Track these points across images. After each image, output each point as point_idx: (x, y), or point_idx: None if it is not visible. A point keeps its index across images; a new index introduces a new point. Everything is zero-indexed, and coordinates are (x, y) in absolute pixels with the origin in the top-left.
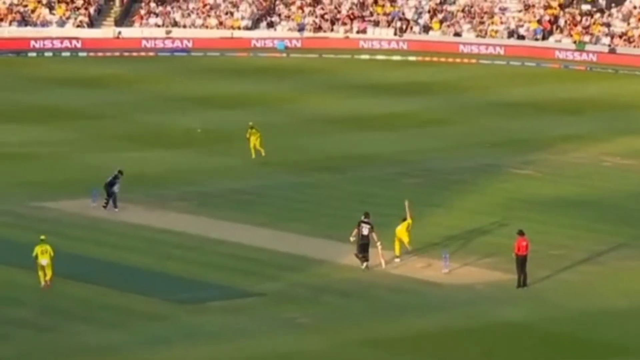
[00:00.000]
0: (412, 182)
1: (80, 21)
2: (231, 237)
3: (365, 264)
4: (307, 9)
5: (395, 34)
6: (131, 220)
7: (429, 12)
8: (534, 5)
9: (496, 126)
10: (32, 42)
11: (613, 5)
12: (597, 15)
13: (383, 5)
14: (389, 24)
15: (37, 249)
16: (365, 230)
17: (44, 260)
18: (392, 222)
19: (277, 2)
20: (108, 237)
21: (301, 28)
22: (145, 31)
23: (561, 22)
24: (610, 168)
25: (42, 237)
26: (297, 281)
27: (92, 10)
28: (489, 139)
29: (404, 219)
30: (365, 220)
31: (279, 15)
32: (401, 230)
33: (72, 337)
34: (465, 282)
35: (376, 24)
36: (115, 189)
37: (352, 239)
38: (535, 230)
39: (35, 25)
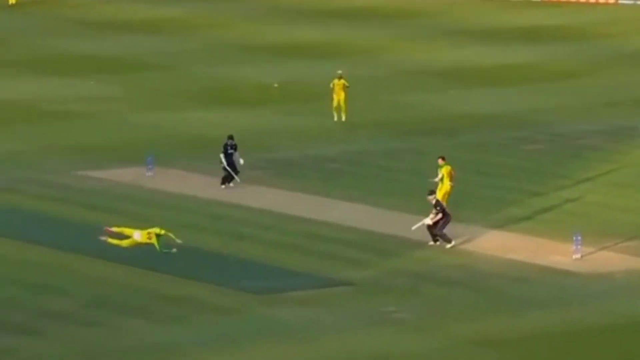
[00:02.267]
0: (534, 148)
1: None
2: (314, 214)
3: (452, 242)
4: None
5: None
6: (193, 193)
7: None
8: None
9: (637, 81)
10: None
11: None
12: None
13: None
14: None
15: (150, 229)
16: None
17: (137, 233)
18: (512, 198)
19: None
20: (166, 213)
21: None
22: None
23: None
24: None
25: (162, 231)
26: (393, 267)
27: None
28: (629, 96)
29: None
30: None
31: None
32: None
33: (123, 334)
34: (601, 270)
35: None
36: (235, 157)
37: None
38: None
39: None
